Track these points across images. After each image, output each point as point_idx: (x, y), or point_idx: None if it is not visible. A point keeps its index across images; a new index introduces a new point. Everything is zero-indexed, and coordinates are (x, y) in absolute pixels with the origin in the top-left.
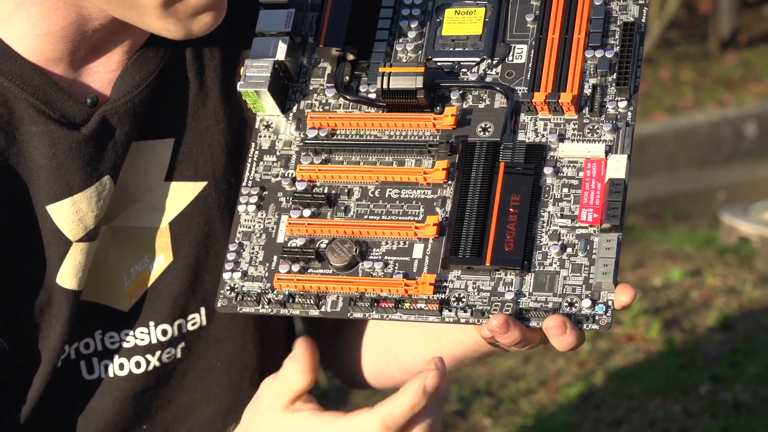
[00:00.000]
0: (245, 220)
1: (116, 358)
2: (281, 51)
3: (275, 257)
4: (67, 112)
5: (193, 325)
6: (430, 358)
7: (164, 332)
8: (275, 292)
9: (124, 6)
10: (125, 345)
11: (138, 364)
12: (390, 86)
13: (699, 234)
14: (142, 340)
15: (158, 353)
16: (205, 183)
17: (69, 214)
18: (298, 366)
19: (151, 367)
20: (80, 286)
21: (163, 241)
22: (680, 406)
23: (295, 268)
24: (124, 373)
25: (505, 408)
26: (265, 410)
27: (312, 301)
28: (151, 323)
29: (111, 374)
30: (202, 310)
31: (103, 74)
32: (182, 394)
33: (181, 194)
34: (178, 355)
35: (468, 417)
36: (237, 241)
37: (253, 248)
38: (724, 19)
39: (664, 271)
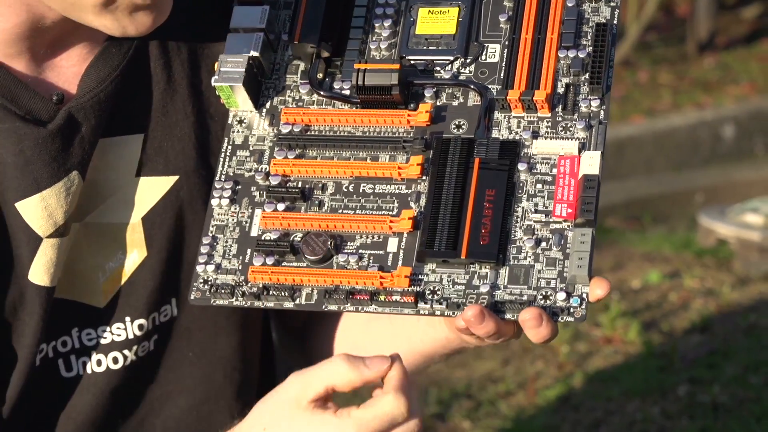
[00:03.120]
0: (218, 214)
1: (94, 354)
2: (256, 47)
3: (249, 250)
4: (33, 108)
5: (165, 316)
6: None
7: (140, 327)
8: (249, 284)
9: (68, 8)
10: (102, 341)
11: (115, 360)
12: (365, 83)
13: (677, 236)
14: (119, 335)
15: (135, 348)
16: (176, 177)
17: (38, 210)
18: (346, 361)
19: (128, 362)
20: (53, 282)
21: (136, 237)
22: (659, 408)
23: (270, 260)
24: (102, 369)
25: (485, 410)
26: (285, 401)
27: (286, 294)
28: (127, 318)
29: (89, 371)
30: (173, 300)
31: (67, 69)
32: (156, 386)
33: (153, 189)
34: (152, 347)
35: (447, 419)
36: (210, 235)
37: (226, 241)
38: (702, 21)
39: (642, 273)
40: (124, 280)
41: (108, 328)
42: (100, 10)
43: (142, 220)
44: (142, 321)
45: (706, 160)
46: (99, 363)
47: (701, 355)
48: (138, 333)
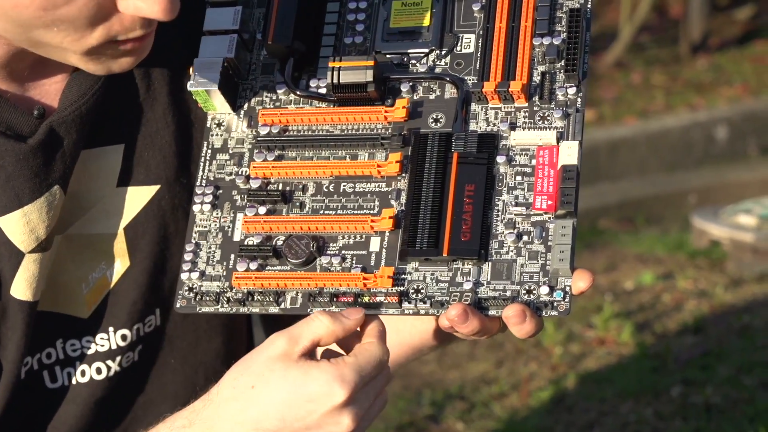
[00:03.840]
0: (201, 220)
1: (78, 365)
2: (230, 49)
3: (232, 256)
4: (14, 124)
5: (149, 327)
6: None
7: (124, 337)
8: (234, 290)
9: (51, 51)
10: (86, 352)
11: (99, 370)
12: (340, 81)
13: (670, 237)
14: (102, 346)
15: (118, 358)
16: (157, 186)
17: (20, 226)
18: (326, 315)
19: (112, 373)
20: (35, 297)
21: (119, 247)
22: (652, 409)
23: (253, 265)
24: (86, 379)
25: (478, 412)
26: (273, 358)
27: (271, 298)
28: (111, 329)
29: (74, 382)
30: (158, 311)
31: (50, 86)
32: (139, 395)
33: (135, 199)
34: (136, 358)
35: (441, 421)
36: (193, 241)
37: (209, 248)
38: (695, 22)
39: (635, 275)
40: (107, 290)
41: (92, 339)
42: (84, 56)
43: (125, 230)
44: (125, 331)
45: (699, 161)
46: (83, 374)
47: (694, 356)
48: (121, 343)
